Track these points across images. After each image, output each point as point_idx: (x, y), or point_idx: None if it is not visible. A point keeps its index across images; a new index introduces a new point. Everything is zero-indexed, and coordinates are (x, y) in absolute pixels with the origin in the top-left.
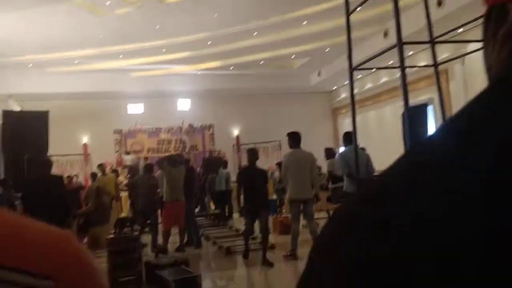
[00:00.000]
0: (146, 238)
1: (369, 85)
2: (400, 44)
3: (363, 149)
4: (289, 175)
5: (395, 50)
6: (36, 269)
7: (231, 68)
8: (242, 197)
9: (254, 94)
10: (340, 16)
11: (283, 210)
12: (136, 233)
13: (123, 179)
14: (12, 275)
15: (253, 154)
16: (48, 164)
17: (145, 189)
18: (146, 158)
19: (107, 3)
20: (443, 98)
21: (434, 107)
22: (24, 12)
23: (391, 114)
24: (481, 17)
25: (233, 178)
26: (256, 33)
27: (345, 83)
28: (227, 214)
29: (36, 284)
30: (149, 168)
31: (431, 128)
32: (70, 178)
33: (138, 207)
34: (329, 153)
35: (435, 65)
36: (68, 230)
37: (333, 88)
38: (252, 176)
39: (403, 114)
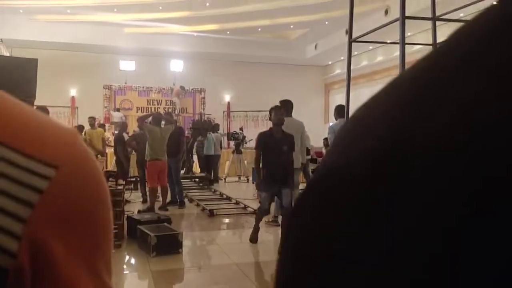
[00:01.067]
0: (127, 195)
1: (364, 63)
2: (403, 18)
3: None
4: None
5: (395, 30)
6: (39, 154)
7: (227, 33)
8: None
9: (249, 62)
10: None
11: None
12: (120, 187)
13: (109, 135)
14: (13, 155)
15: (278, 113)
16: (46, 112)
17: (142, 145)
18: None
19: None
20: None
21: None
22: None
23: None
24: None
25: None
26: None
27: (341, 58)
28: (212, 178)
29: (37, 170)
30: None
31: None
32: None
33: (138, 160)
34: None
35: (435, 44)
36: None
37: (328, 63)
38: (276, 144)
39: None
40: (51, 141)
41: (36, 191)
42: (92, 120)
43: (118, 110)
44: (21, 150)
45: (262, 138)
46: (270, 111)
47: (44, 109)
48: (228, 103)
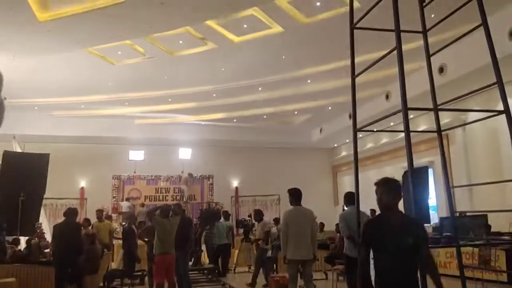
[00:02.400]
0: None
1: (369, 145)
2: (405, 109)
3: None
4: (288, 233)
5: (398, 113)
6: None
7: (234, 121)
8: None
9: (256, 147)
10: (342, 77)
11: (279, 268)
12: None
13: (117, 225)
14: None
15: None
16: (75, 212)
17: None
18: (143, 204)
19: (119, 53)
20: (446, 163)
21: (434, 170)
22: (42, 58)
23: (392, 174)
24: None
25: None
26: (260, 88)
27: (346, 141)
28: (221, 269)
29: None
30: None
31: (431, 190)
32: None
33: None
34: (259, 214)
35: (439, 131)
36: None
37: (334, 146)
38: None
39: (403, 176)
40: None
41: None
42: (99, 213)
43: (128, 199)
44: None
45: (370, 229)
46: (380, 187)
47: (87, 220)
48: (236, 188)
